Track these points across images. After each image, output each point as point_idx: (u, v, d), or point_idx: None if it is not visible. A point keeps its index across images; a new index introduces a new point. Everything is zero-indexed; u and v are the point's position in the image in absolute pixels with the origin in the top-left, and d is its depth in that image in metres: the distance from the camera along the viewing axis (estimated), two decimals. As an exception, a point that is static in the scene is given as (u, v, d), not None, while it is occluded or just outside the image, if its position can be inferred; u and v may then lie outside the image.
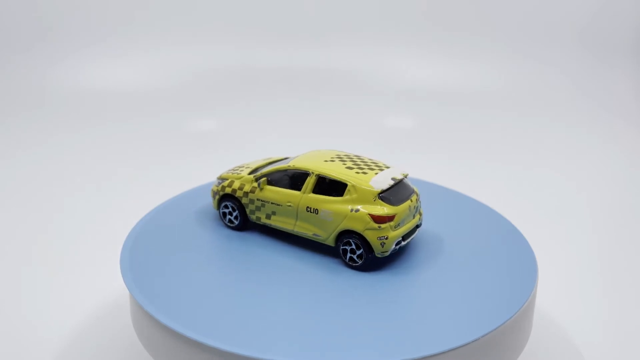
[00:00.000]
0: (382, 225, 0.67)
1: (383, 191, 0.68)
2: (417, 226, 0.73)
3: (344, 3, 1.91)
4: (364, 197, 0.67)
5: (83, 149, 1.51)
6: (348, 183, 0.68)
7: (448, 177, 1.25)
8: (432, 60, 1.88)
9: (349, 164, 0.71)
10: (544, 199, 1.31)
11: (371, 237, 0.67)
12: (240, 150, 1.52)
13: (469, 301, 0.65)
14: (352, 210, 0.68)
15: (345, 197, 0.68)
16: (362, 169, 0.70)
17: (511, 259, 0.73)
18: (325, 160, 0.72)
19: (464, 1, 1.91)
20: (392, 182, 0.69)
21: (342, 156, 0.74)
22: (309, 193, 0.71)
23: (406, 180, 0.72)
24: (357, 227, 0.67)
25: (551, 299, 0.94)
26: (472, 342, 0.58)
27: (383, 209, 0.67)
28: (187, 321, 0.60)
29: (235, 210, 0.76)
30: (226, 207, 0.77)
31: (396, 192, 0.69)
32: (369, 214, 0.67)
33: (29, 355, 0.82)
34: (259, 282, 0.67)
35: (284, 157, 0.81)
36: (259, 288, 0.66)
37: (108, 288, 0.95)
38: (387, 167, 0.71)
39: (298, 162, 0.73)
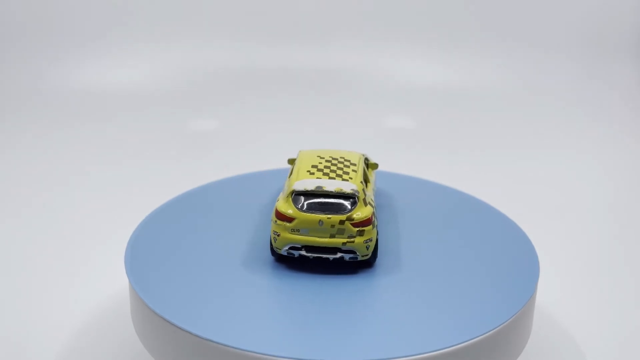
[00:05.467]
0: (278, 221, 0.67)
1: (295, 192, 0.67)
2: (342, 250, 0.67)
3: (344, 3, 1.91)
4: (287, 191, 0.69)
5: (84, 149, 1.51)
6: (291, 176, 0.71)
7: (449, 176, 1.25)
8: (433, 59, 1.88)
9: (324, 164, 0.71)
10: (545, 197, 1.31)
11: (271, 228, 0.68)
12: (240, 150, 1.52)
13: (469, 300, 0.65)
14: (277, 200, 0.70)
15: (285, 188, 0.71)
16: (319, 170, 0.70)
17: (513, 258, 0.73)
18: (317, 156, 0.74)
19: (465, 0, 1.91)
20: (309, 189, 0.67)
21: (331, 157, 0.74)
22: (287, 178, 0.73)
23: (345, 200, 0.67)
24: (272, 217, 0.69)
25: (552, 298, 0.94)
26: (472, 341, 0.58)
27: (284, 207, 0.67)
28: (189, 318, 0.60)
29: None
30: None
31: (316, 201, 0.67)
32: (275, 207, 0.68)
33: (30, 353, 0.82)
34: (260, 280, 0.67)
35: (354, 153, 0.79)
36: (260, 286, 0.66)
37: (109, 289, 0.95)
38: (343, 180, 0.69)
39: (304, 151, 0.76)
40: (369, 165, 0.80)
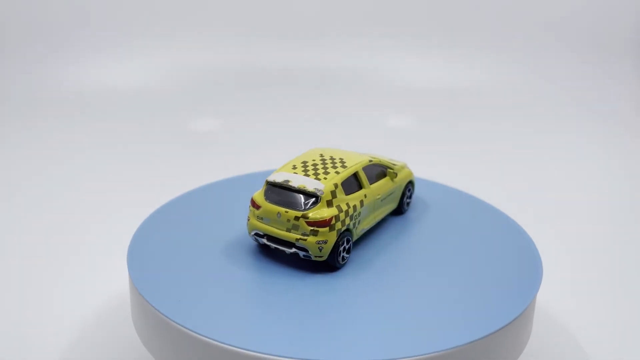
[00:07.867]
0: (251, 207, 0.70)
1: (268, 183, 0.70)
2: (296, 247, 0.67)
3: (345, 3, 1.91)
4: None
5: (84, 149, 1.51)
6: None
7: (451, 176, 1.25)
8: (433, 59, 1.88)
9: (316, 162, 0.72)
10: (546, 196, 1.31)
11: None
12: (241, 150, 1.52)
13: (470, 301, 0.65)
14: None
15: None
16: (303, 167, 0.71)
17: (515, 259, 0.73)
18: (319, 154, 0.74)
19: (466, 1, 1.91)
20: (277, 182, 0.69)
21: (331, 157, 0.74)
22: None
23: (307, 198, 0.67)
24: None
25: (553, 297, 0.94)
26: (472, 342, 0.58)
27: (257, 194, 0.70)
28: (189, 317, 0.60)
29: None
30: None
31: (281, 193, 0.69)
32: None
33: (32, 353, 0.82)
34: (262, 280, 0.67)
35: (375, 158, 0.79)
36: (262, 286, 0.66)
37: (109, 289, 0.95)
38: (317, 178, 0.68)
39: (314, 148, 0.78)
40: (387, 173, 0.78)
